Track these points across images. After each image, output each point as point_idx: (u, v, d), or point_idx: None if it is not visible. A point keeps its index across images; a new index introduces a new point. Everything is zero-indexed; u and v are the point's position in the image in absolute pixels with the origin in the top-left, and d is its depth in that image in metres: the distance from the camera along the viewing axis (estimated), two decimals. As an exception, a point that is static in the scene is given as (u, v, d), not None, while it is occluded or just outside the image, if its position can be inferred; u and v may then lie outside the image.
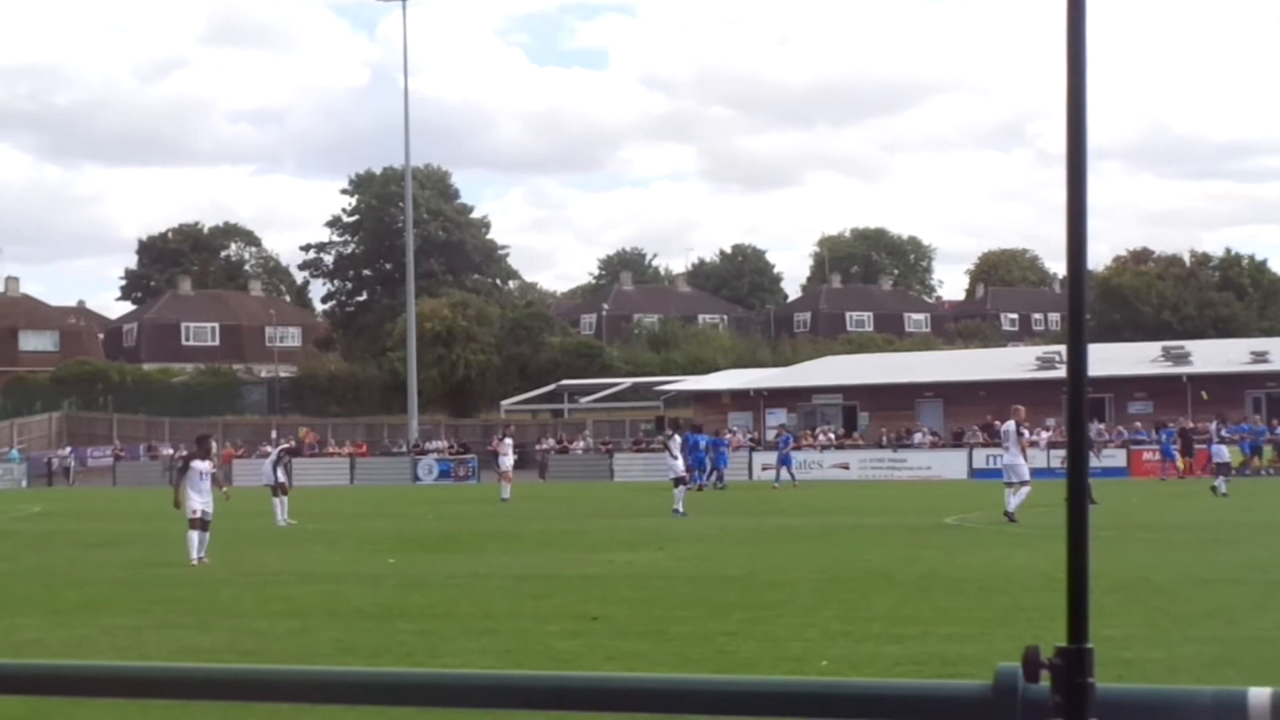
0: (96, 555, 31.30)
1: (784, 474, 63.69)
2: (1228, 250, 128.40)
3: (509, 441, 56.74)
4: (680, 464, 44.31)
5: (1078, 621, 3.05)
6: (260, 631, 18.30)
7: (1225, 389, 74.60)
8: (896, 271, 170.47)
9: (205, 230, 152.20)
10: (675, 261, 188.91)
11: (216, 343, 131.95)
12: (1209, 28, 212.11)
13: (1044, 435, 62.83)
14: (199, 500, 29.04)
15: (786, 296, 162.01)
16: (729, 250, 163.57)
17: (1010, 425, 37.75)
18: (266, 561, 28.87)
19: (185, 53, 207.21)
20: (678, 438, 46.72)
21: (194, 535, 28.69)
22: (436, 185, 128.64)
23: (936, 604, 19.80)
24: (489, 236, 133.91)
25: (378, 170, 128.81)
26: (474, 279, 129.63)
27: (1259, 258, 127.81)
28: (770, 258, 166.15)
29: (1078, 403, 3.05)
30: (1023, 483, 36.38)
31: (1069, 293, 3.17)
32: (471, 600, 21.29)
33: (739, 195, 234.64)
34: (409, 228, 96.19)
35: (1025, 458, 37.23)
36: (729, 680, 3.46)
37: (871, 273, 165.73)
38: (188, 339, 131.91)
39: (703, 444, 62.30)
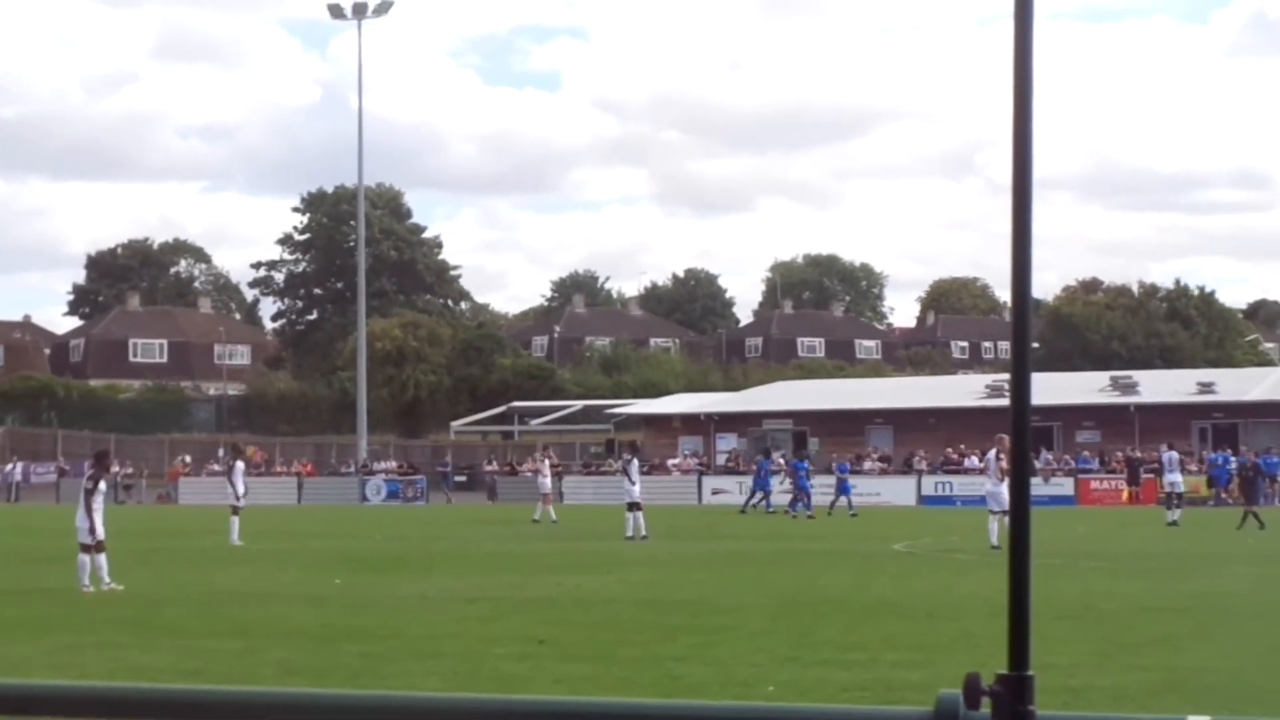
0: (38, 572, 31.05)
1: (800, 504, 59.24)
2: (1176, 281, 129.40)
3: (548, 462, 56.94)
4: (637, 489, 43.97)
5: (1019, 649, 3.06)
6: (205, 651, 18.19)
7: (1172, 419, 74.99)
8: (848, 298, 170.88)
9: (155, 246, 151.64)
10: (627, 284, 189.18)
11: (164, 360, 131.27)
12: (1157, 62, 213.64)
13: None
14: (90, 521, 26.60)
15: (738, 321, 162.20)
16: (681, 274, 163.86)
17: (993, 454, 38.22)
18: (212, 581, 28.69)
19: (135, 67, 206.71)
20: (636, 461, 46.52)
21: (85, 559, 26.64)
22: (389, 205, 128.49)
23: (884, 630, 19.82)
24: (441, 257, 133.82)
25: (329, 189, 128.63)
26: (425, 299, 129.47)
27: (1207, 289, 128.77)
28: (722, 282, 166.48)
29: (1021, 433, 3.06)
30: (1004, 512, 36.54)
31: (1013, 323, 3.19)
32: (418, 622, 21.21)
33: (691, 219, 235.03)
34: (361, 247, 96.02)
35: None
36: (676, 705, 3.46)
37: (823, 299, 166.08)
38: (135, 355, 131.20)
39: (766, 468, 62.22)
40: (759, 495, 61.58)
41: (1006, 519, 35.05)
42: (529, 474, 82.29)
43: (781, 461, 68.07)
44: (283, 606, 23.52)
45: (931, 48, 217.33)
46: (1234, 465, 67.07)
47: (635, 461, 46.07)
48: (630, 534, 41.96)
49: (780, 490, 61.58)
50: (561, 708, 3.60)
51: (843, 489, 61.78)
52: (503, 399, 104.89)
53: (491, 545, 40.29)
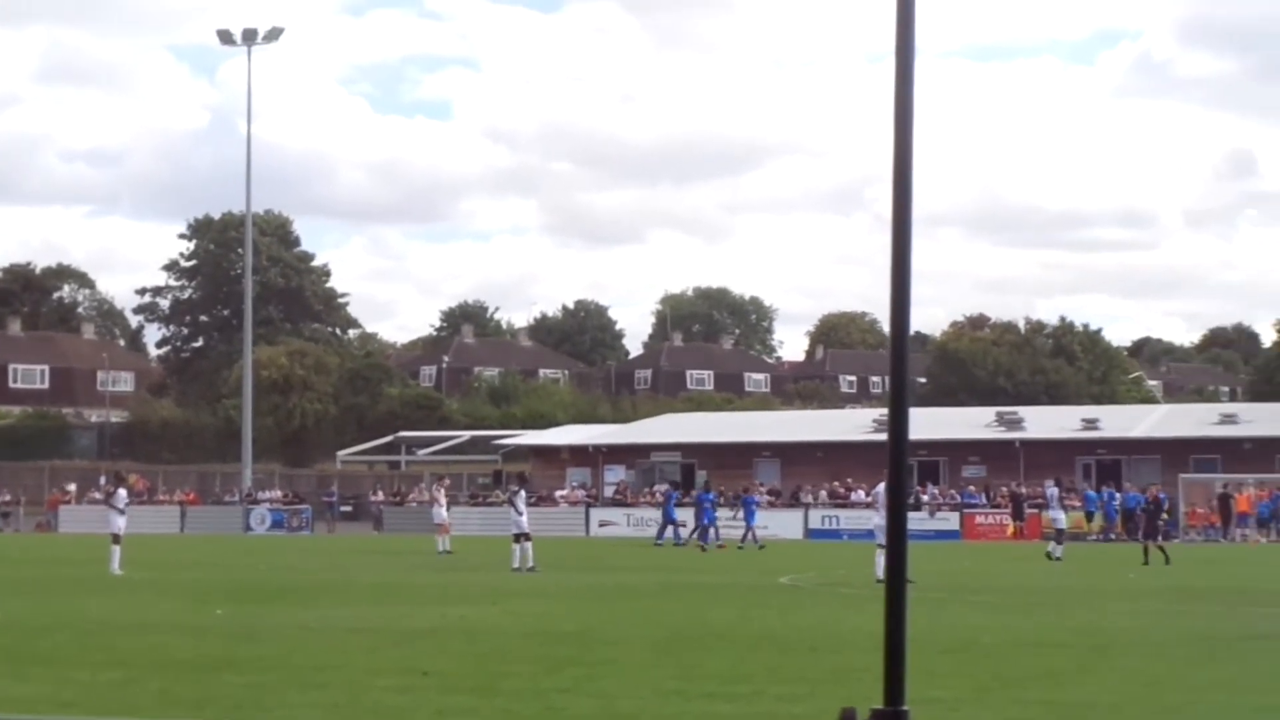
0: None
1: (711, 534, 59.43)
2: (1062, 318, 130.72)
3: (443, 493, 56.70)
4: (524, 520, 43.78)
5: (894, 684, 3.04)
6: (81, 682, 17.89)
7: (1057, 455, 75.70)
8: (737, 331, 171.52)
9: (37, 271, 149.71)
10: (517, 315, 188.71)
11: (46, 385, 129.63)
12: (1045, 101, 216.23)
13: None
14: None
15: (628, 353, 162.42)
16: (571, 305, 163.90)
17: (881, 487, 38.31)
18: (91, 610, 28.28)
19: (18, 90, 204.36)
20: (523, 493, 46.37)
21: None
22: (277, 232, 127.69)
23: (769, 663, 19.81)
24: (329, 285, 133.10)
25: (217, 215, 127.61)
26: (313, 327, 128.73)
27: (1092, 326, 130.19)
28: (612, 314, 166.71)
29: (898, 468, 3.04)
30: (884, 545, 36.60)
31: (891, 360, 3.17)
32: (301, 653, 20.99)
33: (582, 251, 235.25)
34: (248, 274, 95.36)
35: None
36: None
37: (713, 332, 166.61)
38: (15, 381, 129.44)
39: (705, 501, 60.37)
40: (696, 530, 59.91)
41: (882, 554, 35.39)
42: (415, 504, 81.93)
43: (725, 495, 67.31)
44: (163, 636, 23.21)
45: (822, 83, 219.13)
46: (1118, 501, 67.85)
47: (522, 493, 45.93)
48: (517, 565, 41.81)
49: (729, 521, 61.17)
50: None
51: (749, 521, 61.20)
52: (390, 429, 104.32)
53: (376, 576, 40.03)
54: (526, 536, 42.79)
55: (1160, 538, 49.55)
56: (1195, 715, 15.90)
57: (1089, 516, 67.78)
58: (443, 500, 56.14)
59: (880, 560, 36.35)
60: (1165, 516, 51.91)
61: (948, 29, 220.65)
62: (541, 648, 21.66)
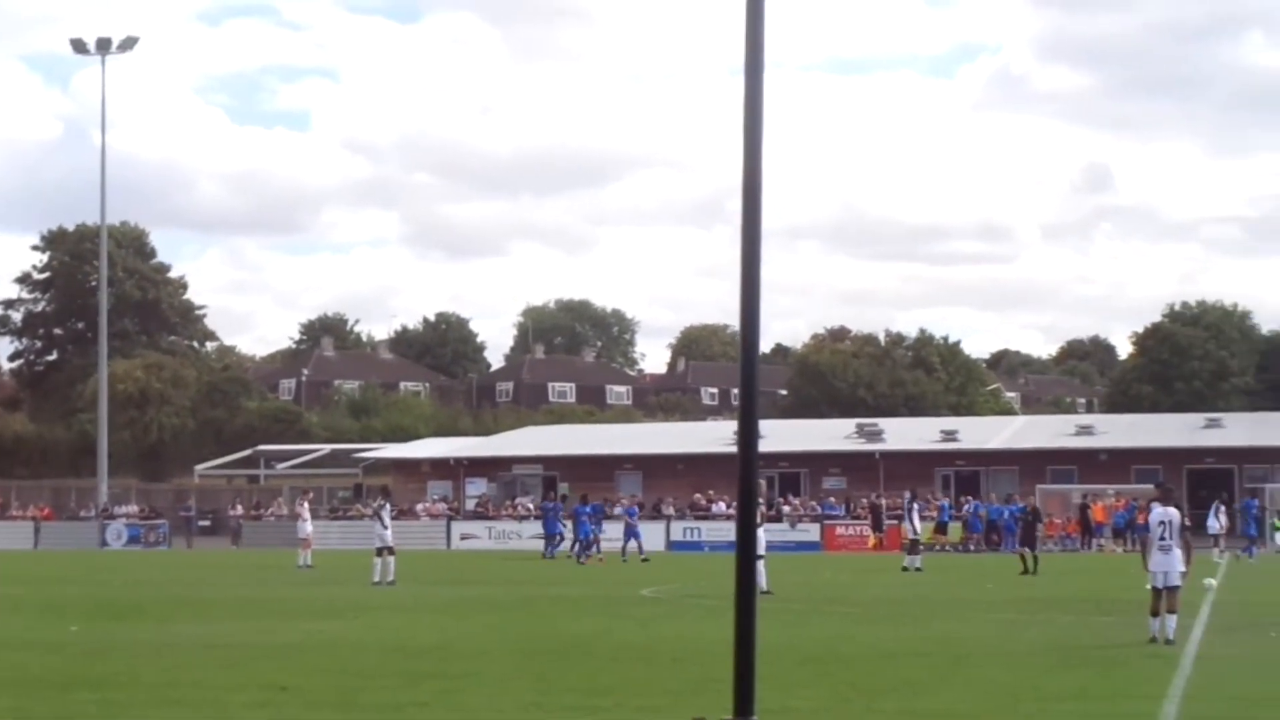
0: None
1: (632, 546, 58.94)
2: (921, 331, 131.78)
3: (307, 507, 56.14)
4: (389, 534, 43.58)
5: (743, 695, 3.06)
6: (-68, 700, 17.63)
7: (916, 466, 76.37)
8: (599, 343, 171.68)
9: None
10: (377, 328, 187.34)
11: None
12: (904, 115, 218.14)
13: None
14: None
15: (489, 366, 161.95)
16: (432, 318, 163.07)
17: None
18: (-57, 627, 27.84)
19: None
20: (388, 506, 46.13)
21: None
22: (132, 244, 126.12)
23: (630, 675, 19.86)
24: (186, 297, 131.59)
25: (71, 226, 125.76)
26: (170, 340, 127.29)
27: (951, 339, 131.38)
28: (474, 326, 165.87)
29: (748, 477, 3.07)
30: (759, 556, 36.71)
31: (741, 372, 3.20)
32: (157, 669, 20.78)
33: (442, 263, 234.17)
34: (103, 286, 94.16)
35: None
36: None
37: (575, 344, 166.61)
38: None
39: (587, 513, 58.99)
40: (579, 543, 58.37)
41: (761, 564, 35.66)
42: (273, 518, 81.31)
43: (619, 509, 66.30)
44: (16, 653, 22.88)
45: (683, 96, 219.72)
46: (982, 512, 68.69)
47: (388, 506, 45.78)
48: (378, 579, 41.66)
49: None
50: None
51: (632, 533, 60.48)
52: (248, 442, 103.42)
53: (235, 591, 39.69)
54: (390, 550, 42.65)
55: (1034, 546, 50.30)
56: (1049, 723, 16.11)
57: (941, 528, 68.28)
58: (306, 514, 55.80)
59: (760, 570, 36.49)
60: (1042, 525, 52.56)
61: (809, 42, 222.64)
62: (401, 662, 21.58)
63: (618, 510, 66.16)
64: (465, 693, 18.10)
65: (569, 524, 60.32)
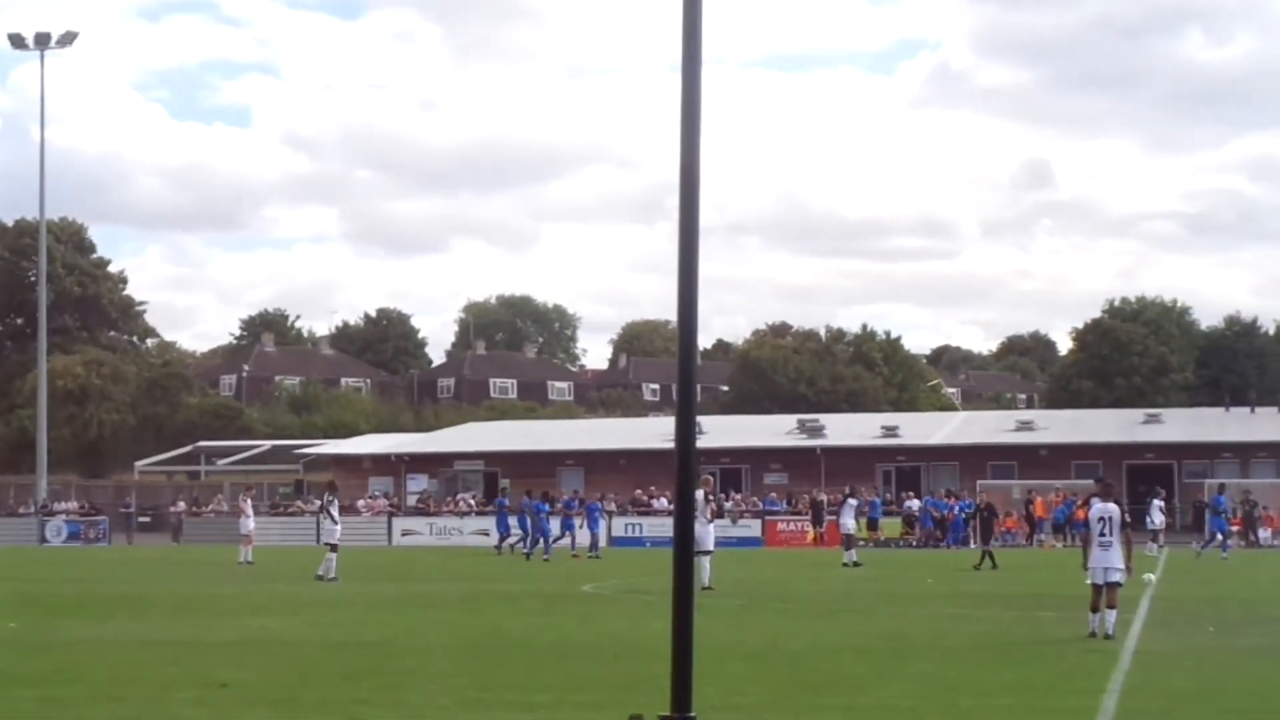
0: None
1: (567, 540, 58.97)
2: (863, 326, 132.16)
3: (250, 503, 55.92)
4: (338, 530, 43.42)
5: (681, 691, 3.07)
6: None
7: (857, 462, 76.65)
8: (541, 339, 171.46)
9: None
10: (318, 324, 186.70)
11: None
12: (844, 111, 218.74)
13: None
14: None
15: (431, 362, 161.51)
16: (373, 314, 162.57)
17: (699, 494, 38.30)
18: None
19: None
20: (336, 501, 45.97)
21: None
22: (72, 239, 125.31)
23: (571, 671, 19.86)
24: (126, 293, 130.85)
25: (9, 221, 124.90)
26: (110, 336, 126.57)
27: (892, 334, 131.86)
28: (415, 322, 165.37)
29: (685, 473, 3.08)
30: (706, 552, 36.82)
31: (679, 368, 3.21)
32: (97, 666, 20.68)
33: (384, 259, 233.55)
34: (42, 281, 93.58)
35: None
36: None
37: (516, 340, 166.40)
38: None
39: (544, 511, 57.96)
40: (540, 540, 57.12)
41: (708, 560, 35.72)
42: (213, 514, 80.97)
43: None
44: (-47, 652, 22.72)
45: (625, 92, 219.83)
46: (940, 510, 69.08)
47: (336, 501, 45.66)
48: (321, 573, 41.52)
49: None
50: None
51: (593, 527, 60.60)
52: (189, 438, 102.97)
53: (176, 587, 39.50)
54: (333, 547, 42.55)
55: (988, 542, 50.65)
56: (987, 718, 16.18)
57: (872, 524, 68.38)
58: (249, 511, 55.63)
59: (705, 567, 36.53)
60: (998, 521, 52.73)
61: (750, 39, 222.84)
62: (342, 658, 21.53)
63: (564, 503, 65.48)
64: (406, 689, 18.07)
65: (516, 520, 60.20)
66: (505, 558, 57.39)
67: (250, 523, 54.85)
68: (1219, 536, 57.46)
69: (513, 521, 61.22)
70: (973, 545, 65.76)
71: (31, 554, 66.48)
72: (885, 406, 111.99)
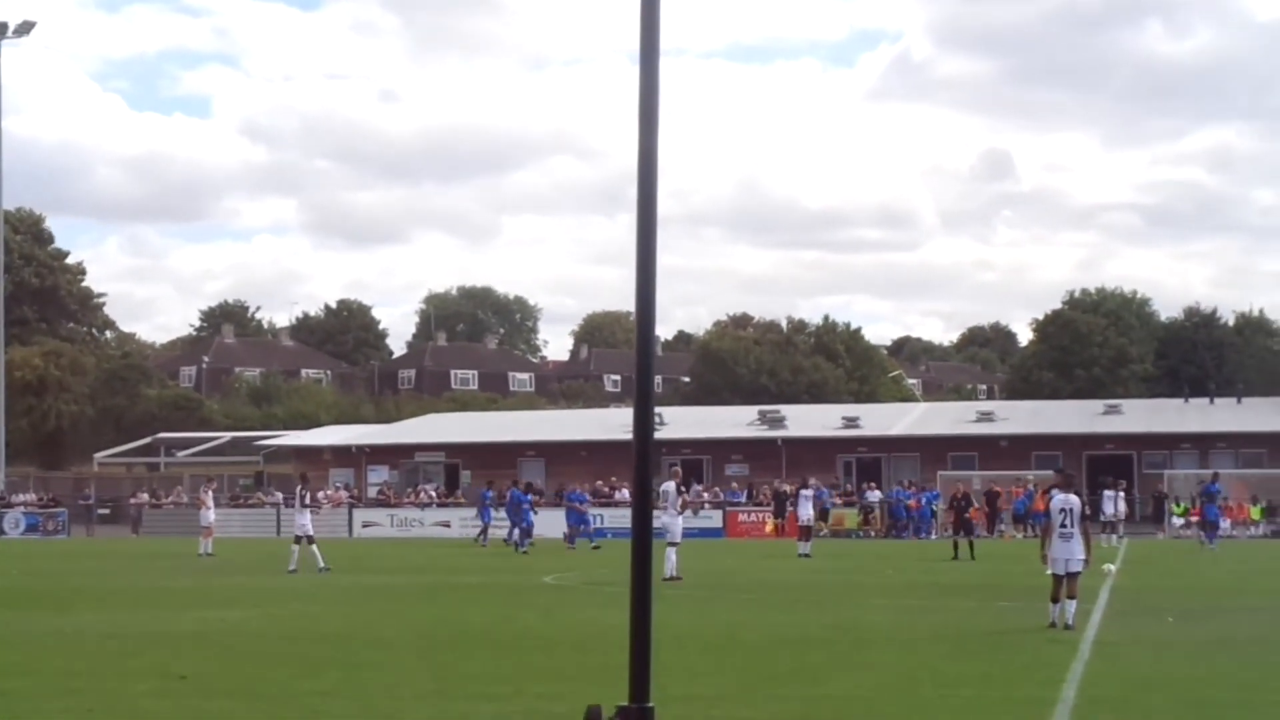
0: None
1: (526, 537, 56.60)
2: (825, 318, 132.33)
3: (211, 495, 55.76)
4: (309, 522, 43.39)
5: (639, 681, 3.06)
6: None
7: (818, 453, 76.78)
8: (502, 331, 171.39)
9: None
10: (279, 315, 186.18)
11: None
12: (804, 103, 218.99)
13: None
14: None
15: (391, 353, 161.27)
16: (334, 305, 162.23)
17: (670, 485, 38.50)
18: None
19: None
20: (308, 494, 45.90)
21: None
22: (30, 230, 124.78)
23: (531, 662, 19.84)
24: (85, 284, 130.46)
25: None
26: (69, 327, 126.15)
27: (853, 325, 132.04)
28: (376, 314, 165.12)
29: (644, 464, 3.06)
30: (674, 544, 36.98)
31: (637, 359, 3.19)
32: (54, 659, 20.57)
33: (344, 250, 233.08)
34: (0, 273, 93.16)
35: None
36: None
37: (477, 331, 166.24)
38: None
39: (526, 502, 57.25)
40: (520, 530, 56.58)
41: (674, 552, 35.73)
42: (173, 506, 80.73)
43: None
44: (-91, 645, 22.60)
45: (586, 83, 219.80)
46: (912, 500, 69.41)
47: (307, 493, 45.67)
48: (294, 567, 41.57)
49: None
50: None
51: (582, 519, 60.06)
52: (148, 430, 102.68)
53: (135, 579, 39.36)
54: (309, 539, 42.55)
55: (971, 532, 50.85)
56: (948, 709, 16.20)
57: (823, 515, 68.40)
58: (210, 502, 55.60)
59: (670, 558, 36.60)
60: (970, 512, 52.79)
61: (710, 29, 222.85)
62: (301, 650, 21.48)
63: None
64: (365, 681, 18.03)
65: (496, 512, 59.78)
66: (491, 549, 57.10)
67: (211, 514, 54.82)
68: (1220, 527, 57.60)
69: (498, 513, 60.75)
70: (934, 536, 66.09)
71: (-10, 546, 66.17)
72: (846, 398, 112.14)
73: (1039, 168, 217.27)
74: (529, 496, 58.78)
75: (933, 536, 66.74)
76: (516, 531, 56.92)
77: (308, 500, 44.69)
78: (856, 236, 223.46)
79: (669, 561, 36.55)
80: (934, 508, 68.63)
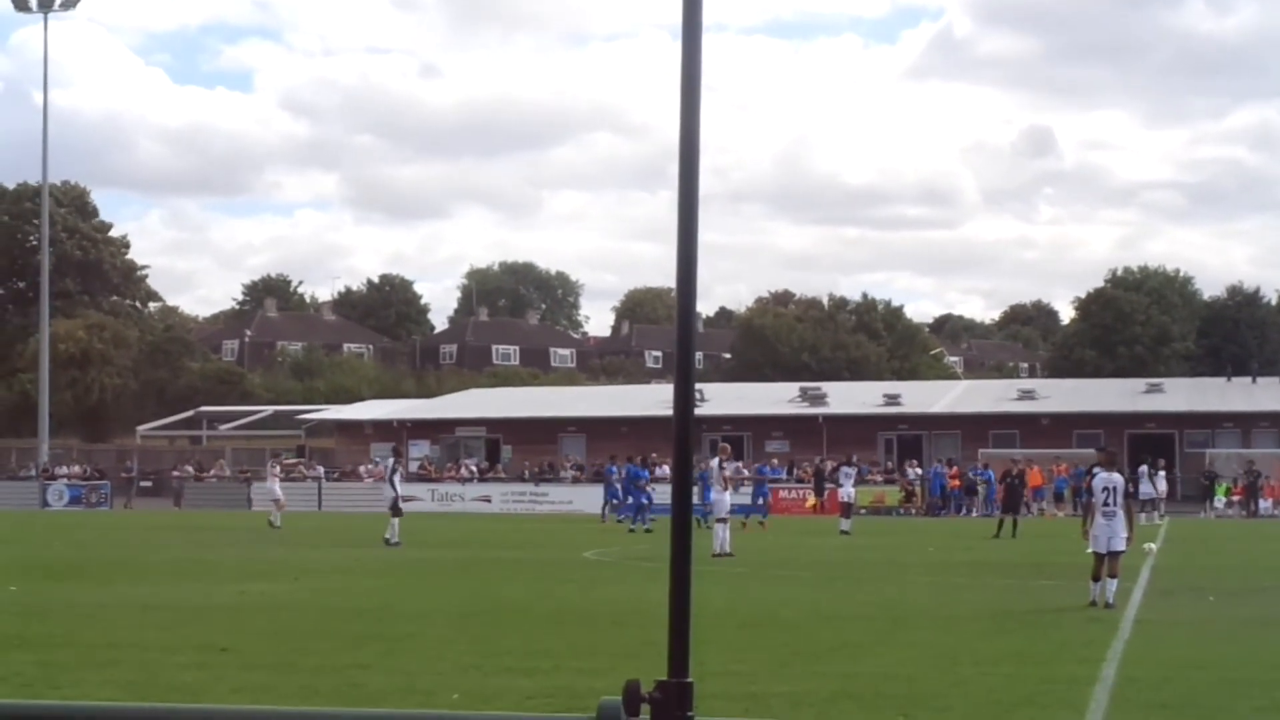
0: None
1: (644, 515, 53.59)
2: (865, 295, 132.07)
3: (279, 468, 56.34)
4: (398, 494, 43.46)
5: (678, 656, 3.06)
6: None
7: (859, 430, 76.68)
8: (544, 306, 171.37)
9: None
10: (321, 289, 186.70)
11: None
12: (847, 79, 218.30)
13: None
14: None
15: (433, 328, 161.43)
16: (376, 280, 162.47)
17: (716, 462, 38.76)
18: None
19: None
20: (399, 466, 46.06)
21: None
22: (74, 203, 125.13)
23: (570, 638, 19.87)
24: (128, 257, 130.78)
25: (11, 185, 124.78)
26: (112, 300, 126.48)
27: (894, 303, 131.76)
28: (417, 289, 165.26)
29: (684, 440, 3.06)
30: (722, 520, 37.23)
31: (677, 335, 3.18)
32: (95, 630, 20.68)
33: (386, 225, 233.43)
34: (44, 245, 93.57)
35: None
36: (356, 713, 3.40)
37: (518, 307, 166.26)
38: None
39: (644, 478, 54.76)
40: (632, 508, 54.08)
41: (725, 528, 35.75)
42: (214, 479, 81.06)
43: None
44: (-47, 615, 22.73)
45: (628, 59, 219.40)
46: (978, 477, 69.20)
47: (398, 467, 45.84)
48: (390, 536, 41.71)
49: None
50: (238, 716, 3.52)
51: (761, 492, 57.90)
52: (191, 403, 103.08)
53: (176, 552, 39.52)
54: (396, 511, 42.69)
55: (1018, 511, 50.83)
56: (986, 686, 16.18)
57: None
58: (279, 476, 56.39)
59: (719, 533, 36.76)
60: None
61: (751, 5, 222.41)
62: (342, 624, 21.55)
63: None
64: (405, 655, 18.08)
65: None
66: (609, 525, 55.45)
67: (278, 488, 55.54)
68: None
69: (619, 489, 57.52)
70: (975, 514, 65.94)
71: (33, 518, 66.54)
72: (887, 375, 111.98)
73: (1080, 145, 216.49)
74: (645, 472, 56.06)
75: (973, 514, 66.59)
76: (633, 509, 54.00)
77: (399, 473, 44.96)
78: (898, 214, 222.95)
79: (717, 537, 36.66)
80: (986, 484, 67.34)
